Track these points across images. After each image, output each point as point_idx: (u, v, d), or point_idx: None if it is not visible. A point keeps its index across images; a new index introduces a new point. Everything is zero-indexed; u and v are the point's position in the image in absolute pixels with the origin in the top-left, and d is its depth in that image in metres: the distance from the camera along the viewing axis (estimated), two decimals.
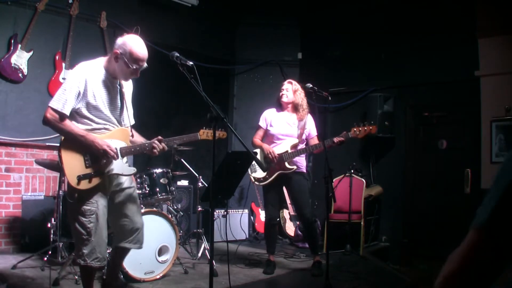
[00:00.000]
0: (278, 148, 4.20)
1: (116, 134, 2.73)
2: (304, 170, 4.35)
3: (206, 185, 4.72)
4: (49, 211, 4.53)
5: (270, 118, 4.33)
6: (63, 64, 4.93)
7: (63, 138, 2.61)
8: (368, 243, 5.69)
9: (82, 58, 5.02)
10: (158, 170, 4.05)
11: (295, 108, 4.29)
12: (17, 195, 4.68)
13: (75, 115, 2.63)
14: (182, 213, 5.22)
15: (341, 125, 5.80)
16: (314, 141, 4.31)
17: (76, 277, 3.51)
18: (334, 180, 4.99)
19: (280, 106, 4.36)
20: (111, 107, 2.72)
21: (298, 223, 5.94)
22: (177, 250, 3.90)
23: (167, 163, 4.67)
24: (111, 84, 2.73)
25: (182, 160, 4.89)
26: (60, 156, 2.58)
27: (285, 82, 4.37)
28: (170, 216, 4.14)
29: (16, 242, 4.60)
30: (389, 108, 5.95)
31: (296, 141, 4.22)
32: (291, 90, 4.27)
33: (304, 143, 4.29)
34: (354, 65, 6.54)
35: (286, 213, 6.05)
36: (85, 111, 2.63)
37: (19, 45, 4.62)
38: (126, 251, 2.93)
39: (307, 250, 5.33)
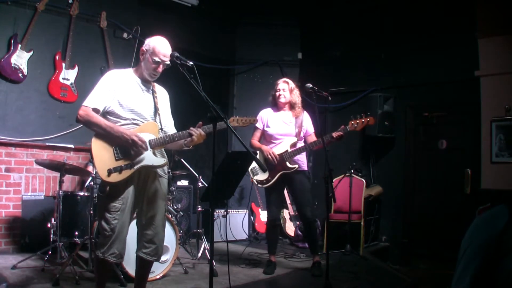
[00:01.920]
0: (278, 148, 4.19)
1: (145, 127, 2.77)
2: (306, 168, 4.33)
3: (206, 185, 4.73)
4: (49, 211, 4.53)
5: (266, 118, 4.31)
6: (63, 64, 4.93)
7: (95, 133, 2.70)
8: (368, 243, 5.69)
9: (82, 58, 5.11)
10: None
11: (291, 106, 4.29)
12: (17, 195, 4.68)
13: (107, 115, 2.73)
14: (182, 213, 5.22)
15: (341, 125, 5.81)
16: (312, 138, 4.30)
17: (76, 277, 3.51)
18: (334, 180, 5.00)
19: (276, 106, 4.34)
20: (143, 105, 2.79)
21: (298, 223, 5.94)
22: (177, 250, 3.90)
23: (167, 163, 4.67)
24: (143, 87, 2.83)
25: (182, 160, 4.89)
26: (91, 151, 2.66)
27: (280, 82, 4.32)
28: (170, 216, 4.14)
29: (16, 242, 4.60)
30: (389, 108, 5.95)
31: (295, 139, 4.21)
32: (288, 90, 4.26)
33: (303, 140, 4.28)
34: (354, 65, 6.53)
35: (286, 213, 6.05)
36: (116, 110, 2.71)
37: (19, 45, 4.62)
38: (147, 263, 2.91)
39: (307, 250, 5.33)
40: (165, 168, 2.90)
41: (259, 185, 4.29)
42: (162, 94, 2.98)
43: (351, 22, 6.55)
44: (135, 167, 2.69)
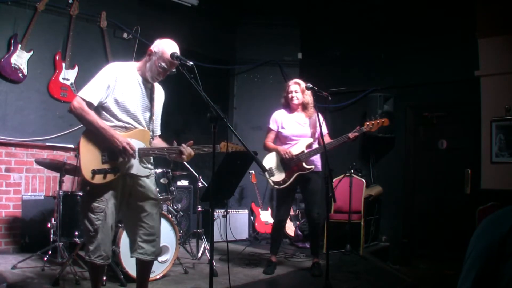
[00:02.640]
0: (294, 149, 4.16)
1: (136, 134, 2.71)
2: (320, 169, 4.32)
3: (206, 185, 4.72)
4: (49, 211, 4.53)
5: (280, 119, 4.29)
6: (63, 64, 4.93)
7: (85, 129, 2.65)
8: (368, 243, 5.69)
9: (82, 58, 5.11)
10: (158, 170, 4.05)
11: (304, 107, 4.29)
12: (17, 195, 4.67)
13: (101, 110, 2.66)
14: (182, 213, 5.22)
15: (341, 125, 5.81)
16: (326, 138, 4.22)
17: (77, 277, 3.51)
18: (334, 180, 4.99)
19: (289, 107, 4.32)
20: (140, 107, 2.74)
21: (298, 223, 5.95)
22: (177, 250, 3.90)
23: (167, 163, 4.67)
24: (143, 86, 2.76)
25: None
26: (78, 148, 2.61)
27: (292, 83, 4.28)
28: (170, 216, 4.14)
29: (16, 242, 4.59)
30: (389, 108, 5.95)
31: (311, 140, 4.21)
32: (300, 91, 4.23)
33: (317, 141, 4.26)
34: (354, 65, 6.53)
35: None
36: (111, 107, 2.65)
37: (19, 45, 4.62)
38: (146, 263, 2.88)
39: (307, 250, 5.34)
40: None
41: (275, 186, 4.21)
42: (159, 96, 2.93)
43: (351, 22, 6.55)
44: (119, 173, 2.65)
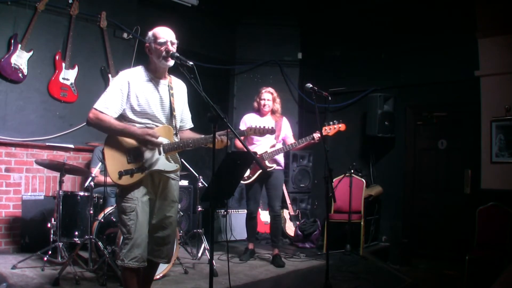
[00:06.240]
0: (258, 149, 4.56)
1: (158, 132, 2.69)
2: (282, 167, 4.81)
3: (206, 185, 4.73)
4: (49, 211, 4.52)
5: (249, 122, 4.66)
6: (63, 64, 4.93)
7: (107, 136, 2.66)
8: (368, 243, 5.69)
9: (82, 58, 5.11)
10: None
11: (272, 112, 4.76)
12: (17, 195, 4.68)
13: (120, 118, 2.67)
14: (182, 213, 5.22)
15: None
16: (291, 140, 4.72)
17: (77, 277, 3.51)
18: (334, 180, 5.01)
19: (259, 112, 4.75)
20: (158, 105, 2.72)
21: (298, 223, 5.95)
22: (177, 250, 3.89)
23: None
24: (156, 85, 2.74)
25: (182, 160, 4.88)
26: (103, 154, 2.64)
27: (264, 92, 4.72)
28: None
29: (16, 242, 4.60)
30: (389, 108, 5.95)
31: (274, 141, 4.61)
32: (272, 100, 4.69)
33: (281, 143, 4.70)
34: (354, 65, 6.54)
35: (286, 213, 6.06)
36: (129, 113, 2.66)
37: (19, 45, 4.62)
38: (155, 264, 2.87)
39: (307, 250, 5.40)
40: (178, 171, 2.85)
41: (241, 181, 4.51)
42: (179, 89, 2.88)
43: (351, 22, 6.56)
44: (146, 171, 2.65)
